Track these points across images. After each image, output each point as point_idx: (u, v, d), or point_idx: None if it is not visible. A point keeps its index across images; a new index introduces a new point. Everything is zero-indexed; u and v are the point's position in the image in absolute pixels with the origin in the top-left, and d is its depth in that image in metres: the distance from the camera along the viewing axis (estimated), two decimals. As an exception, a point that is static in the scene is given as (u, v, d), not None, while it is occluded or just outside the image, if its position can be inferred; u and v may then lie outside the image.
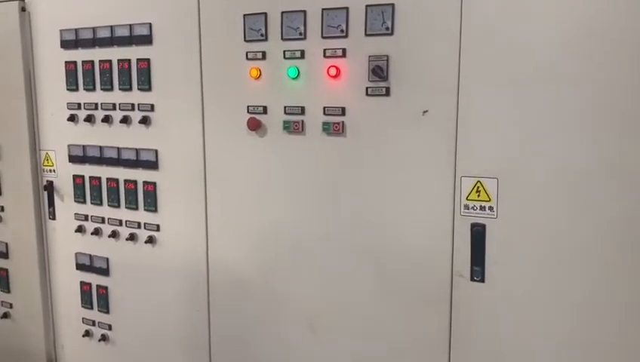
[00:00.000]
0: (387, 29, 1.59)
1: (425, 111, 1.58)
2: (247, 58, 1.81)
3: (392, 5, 1.58)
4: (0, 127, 2.38)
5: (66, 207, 2.30)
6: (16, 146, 2.35)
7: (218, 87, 1.88)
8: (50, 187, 2.32)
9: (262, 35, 1.78)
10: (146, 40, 1.98)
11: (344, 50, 1.66)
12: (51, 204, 2.33)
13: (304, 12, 1.70)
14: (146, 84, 2.01)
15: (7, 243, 2.47)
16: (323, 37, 1.68)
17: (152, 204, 2.08)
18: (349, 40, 1.65)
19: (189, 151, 1.97)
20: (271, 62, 1.78)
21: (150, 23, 1.97)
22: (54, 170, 2.31)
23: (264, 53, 1.78)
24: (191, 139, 1.96)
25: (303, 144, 1.77)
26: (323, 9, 1.67)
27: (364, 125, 1.67)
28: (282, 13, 1.73)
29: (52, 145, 2.29)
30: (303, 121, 1.75)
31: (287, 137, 1.79)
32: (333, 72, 1.67)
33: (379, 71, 1.60)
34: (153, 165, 2.05)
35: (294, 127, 1.76)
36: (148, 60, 1.99)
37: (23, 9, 2.25)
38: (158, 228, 2.09)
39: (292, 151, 1.79)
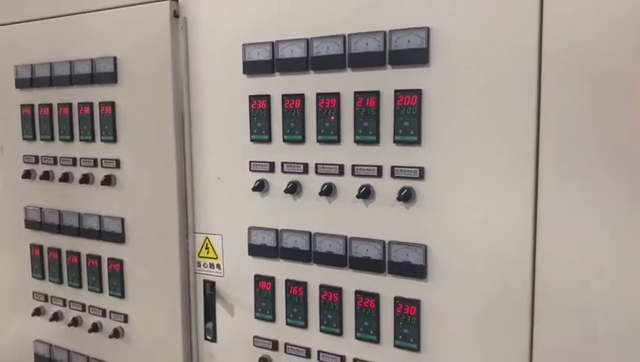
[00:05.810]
0: None
1: None
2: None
3: None
4: (130, 194, 1.55)
5: (238, 324, 1.44)
6: (155, 225, 1.51)
7: (582, 128, 1.01)
8: (211, 291, 1.47)
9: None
10: (419, 57, 1.13)
11: None
12: (210, 317, 1.48)
13: None
14: (411, 132, 1.16)
15: (131, 370, 1.63)
16: None
17: (412, 336, 1.21)
18: None
19: (500, 249, 1.10)
20: None
21: (428, 28, 1.12)
22: (219, 265, 1.46)
23: None
24: (507, 233, 1.09)
25: None
26: None
27: None
28: None
29: (216, 227, 1.45)
30: None
31: None
32: None
33: None
34: (418, 271, 1.18)
35: None
36: (419, 93, 1.15)
37: (176, 14, 1.43)
38: (420, 377, 1.22)
39: None
